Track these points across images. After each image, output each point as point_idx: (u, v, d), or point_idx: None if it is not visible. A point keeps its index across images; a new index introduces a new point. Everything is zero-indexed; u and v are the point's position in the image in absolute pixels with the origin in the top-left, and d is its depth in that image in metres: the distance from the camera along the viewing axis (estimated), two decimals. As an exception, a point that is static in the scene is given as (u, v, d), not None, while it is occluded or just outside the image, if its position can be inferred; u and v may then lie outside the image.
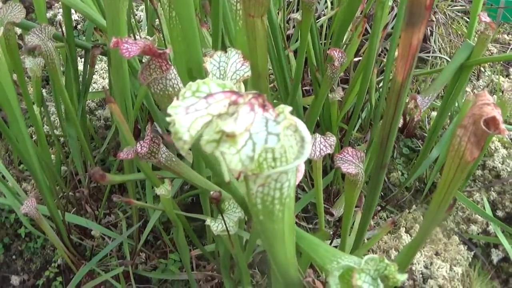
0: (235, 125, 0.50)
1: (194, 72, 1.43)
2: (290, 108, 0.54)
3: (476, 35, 2.10)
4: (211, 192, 1.29)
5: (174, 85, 1.11)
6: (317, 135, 1.46)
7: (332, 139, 1.47)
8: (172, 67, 1.09)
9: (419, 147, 3.07)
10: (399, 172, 2.93)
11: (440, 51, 3.57)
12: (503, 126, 0.99)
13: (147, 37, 1.97)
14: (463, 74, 2.13)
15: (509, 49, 4.30)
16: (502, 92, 3.58)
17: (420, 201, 2.82)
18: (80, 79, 2.27)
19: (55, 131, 2.69)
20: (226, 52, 1.23)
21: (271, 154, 0.56)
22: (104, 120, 2.99)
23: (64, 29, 2.07)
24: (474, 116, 1.01)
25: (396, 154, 3.03)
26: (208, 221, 1.39)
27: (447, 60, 3.43)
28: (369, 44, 1.81)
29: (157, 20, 2.30)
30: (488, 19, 2.03)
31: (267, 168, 0.57)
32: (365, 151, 2.23)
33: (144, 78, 1.09)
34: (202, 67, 1.42)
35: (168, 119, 0.52)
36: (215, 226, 1.38)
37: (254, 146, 0.51)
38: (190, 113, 0.51)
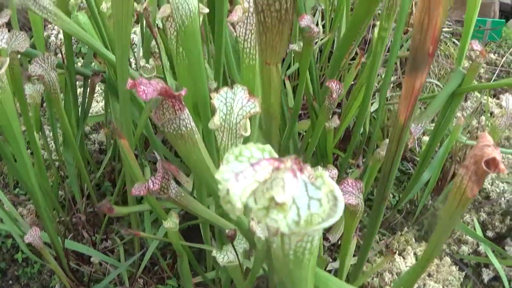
0: (284, 194, 0.54)
1: (200, 106, 1.47)
2: (328, 173, 0.58)
3: (466, 59, 2.16)
4: (227, 231, 1.32)
5: (187, 125, 1.15)
6: (319, 167, 1.50)
7: (334, 172, 1.51)
8: (186, 108, 1.13)
9: (410, 169, 3.12)
10: (390, 194, 2.98)
11: (429, 74, 3.63)
12: (502, 166, 1.05)
13: (147, 65, 2.00)
14: (454, 100, 2.19)
15: (497, 71, 4.40)
16: (491, 114, 3.66)
17: (412, 223, 2.86)
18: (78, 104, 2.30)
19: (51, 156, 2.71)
20: (232, 88, 1.28)
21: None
22: (99, 144, 3.02)
23: (64, 56, 2.10)
24: (475, 157, 1.06)
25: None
26: (214, 252, 1.42)
27: (437, 84, 3.49)
28: (367, 79, 1.86)
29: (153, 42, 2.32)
30: (479, 47, 2.09)
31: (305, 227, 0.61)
32: (359, 177, 2.29)
33: (158, 118, 1.13)
34: (208, 102, 1.46)
35: (220, 186, 0.55)
36: (221, 257, 1.41)
37: (299, 211, 0.55)
38: (240, 181, 0.55)
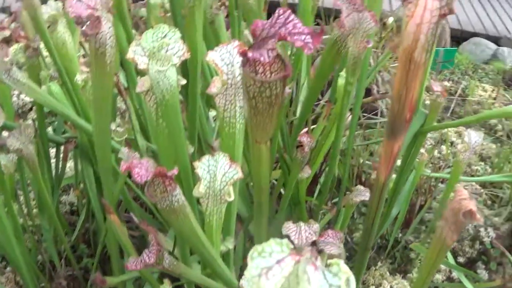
0: (310, 287, 0.60)
1: (181, 174, 1.51)
2: (342, 260, 0.64)
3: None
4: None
5: (179, 200, 1.20)
6: (301, 223, 1.56)
7: (316, 226, 1.57)
8: (177, 186, 1.18)
9: (377, 204, 3.20)
10: (361, 231, 3.05)
11: (387, 109, 3.75)
12: (478, 215, 1.14)
13: (118, 129, 2.04)
14: (418, 140, 2.28)
15: (454, 100, 4.56)
16: (451, 143, 3.79)
17: (384, 257, 2.93)
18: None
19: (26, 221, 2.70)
20: (213, 155, 1.34)
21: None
22: (70, 206, 3.02)
23: (35, 124, 2.12)
24: (454, 210, 1.15)
25: (356, 214, 3.16)
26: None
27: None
28: (336, 131, 1.94)
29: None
30: (439, 88, 2.19)
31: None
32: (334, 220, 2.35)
33: (151, 195, 1.18)
34: (189, 169, 1.51)
35: (249, 283, 0.61)
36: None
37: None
38: (271, 278, 0.60)
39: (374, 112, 3.74)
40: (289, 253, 0.65)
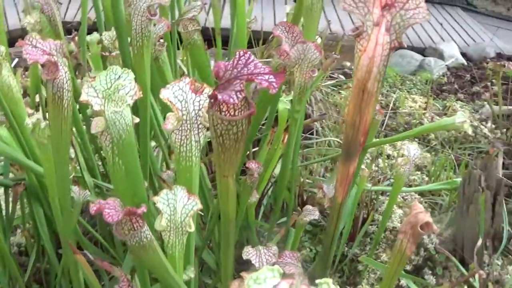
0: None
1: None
2: (331, 280, 0.70)
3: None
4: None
5: (148, 236, 1.24)
6: (260, 247, 1.61)
7: (274, 248, 1.63)
8: (145, 222, 1.22)
9: (321, 222, 3.28)
10: (307, 248, 3.11)
11: (322, 127, 3.87)
12: (435, 226, 1.22)
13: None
14: (359, 157, 2.37)
15: (388, 113, 4.70)
16: (388, 156, 3.91)
17: (333, 271, 3.00)
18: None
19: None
20: (171, 189, 1.38)
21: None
22: (17, 246, 2.98)
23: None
24: (411, 223, 1.23)
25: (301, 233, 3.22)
26: None
27: (333, 140, 3.69)
28: (284, 159, 2.01)
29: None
30: (377, 106, 2.29)
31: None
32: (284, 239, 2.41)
33: (120, 233, 1.21)
34: (146, 203, 1.54)
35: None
36: None
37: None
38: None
39: (310, 132, 3.84)
40: (281, 278, 0.70)
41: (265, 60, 4.59)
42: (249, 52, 0.97)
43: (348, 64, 5.86)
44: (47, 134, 1.70)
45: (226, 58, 2.72)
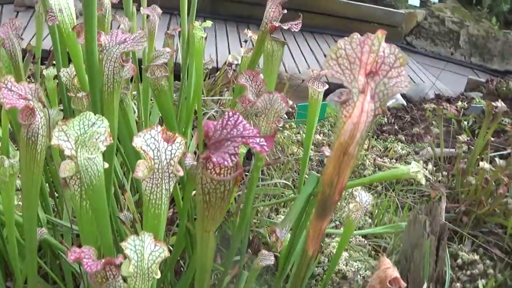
0: None
1: (106, 254, 1.55)
2: None
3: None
4: None
5: (121, 285, 1.24)
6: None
7: None
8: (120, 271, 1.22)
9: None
10: (257, 290, 3.14)
11: (268, 167, 3.92)
12: (402, 282, 1.27)
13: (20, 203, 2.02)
14: (312, 200, 2.41)
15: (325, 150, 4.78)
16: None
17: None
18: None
19: None
20: (138, 235, 1.38)
21: None
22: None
23: None
24: (380, 278, 1.28)
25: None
26: None
27: (286, 184, 3.72)
28: (245, 201, 2.04)
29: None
30: (328, 150, 2.36)
31: None
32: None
33: (95, 283, 1.21)
34: (112, 249, 1.55)
35: None
36: None
37: None
38: None
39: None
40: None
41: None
42: (238, 113, 1.00)
43: (291, 102, 5.93)
44: (9, 172, 1.68)
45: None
